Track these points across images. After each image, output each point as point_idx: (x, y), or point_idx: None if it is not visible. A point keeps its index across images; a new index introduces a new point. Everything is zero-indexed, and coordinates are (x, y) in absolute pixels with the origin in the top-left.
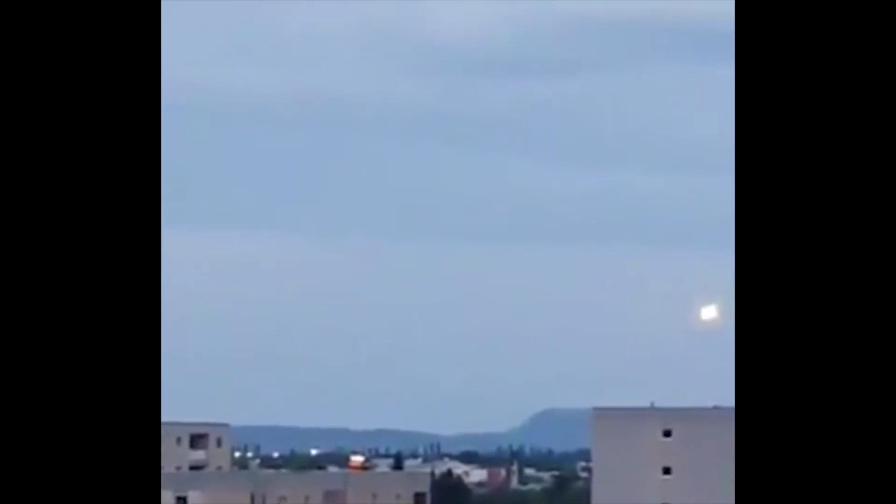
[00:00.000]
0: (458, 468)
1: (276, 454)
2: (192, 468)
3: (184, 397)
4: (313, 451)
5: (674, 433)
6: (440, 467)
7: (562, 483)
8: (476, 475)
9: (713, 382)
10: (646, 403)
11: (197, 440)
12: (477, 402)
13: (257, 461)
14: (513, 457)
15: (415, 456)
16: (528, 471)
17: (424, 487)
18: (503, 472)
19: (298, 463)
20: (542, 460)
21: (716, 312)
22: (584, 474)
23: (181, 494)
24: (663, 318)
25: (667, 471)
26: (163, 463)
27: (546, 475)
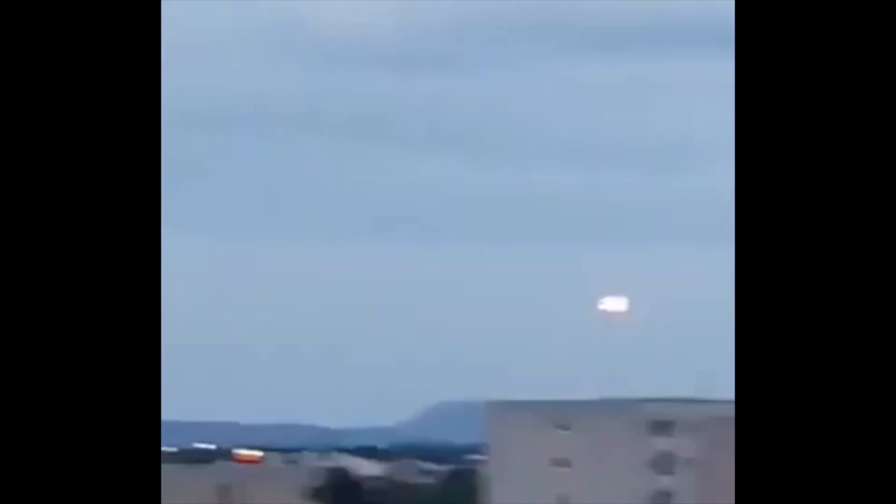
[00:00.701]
0: (353, 462)
1: (167, 449)
2: None
3: None
4: (206, 446)
5: (568, 425)
6: (334, 461)
7: (457, 476)
8: (371, 469)
9: (609, 375)
10: (541, 397)
11: None
12: (371, 396)
13: None
14: (408, 450)
15: (309, 450)
16: (424, 464)
17: (319, 481)
18: (398, 465)
19: (191, 457)
20: (437, 453)
21: (617, 305)
22: (479, 467)
23: None
24: (562, 313)
25: (562, 463)
26: None
27: (441, 468)
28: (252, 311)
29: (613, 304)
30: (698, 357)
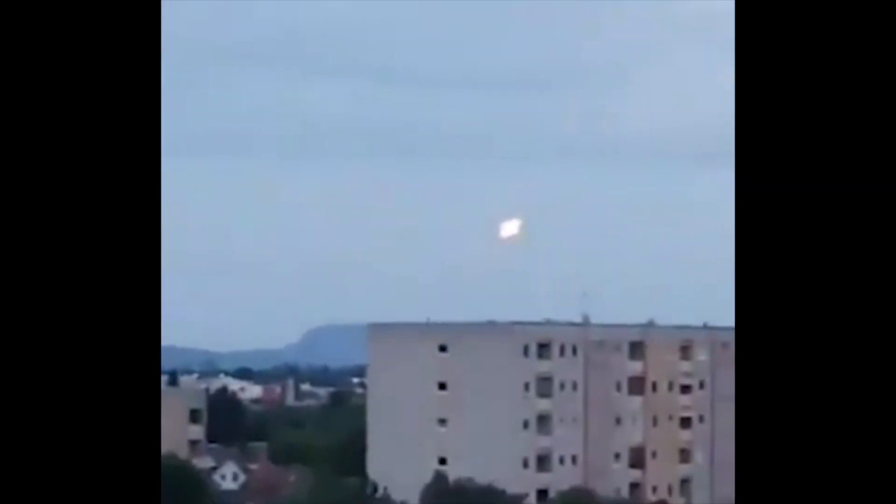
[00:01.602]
0: (234, 384)
1: None
2: None
3: None
4: None
5: (449, 348)
6: (215, 384)
7: (338, 399)
8: (251, 391)
9: (493, 298)
10: (422, 319)
11: None
12: (252, 318)
13: None
14: (288, 373)
15: (190, 372)
16: (304, 387)
17: (200, 404)
18: (279, 388)
19: None
20: (318, 376)
21: (510, 228)
22: (360, 390)
23: None
24: (451, 234)
25: (442, 386)
26: None
27: (322, 391)
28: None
29: (507, 226)
30: (582, 279)
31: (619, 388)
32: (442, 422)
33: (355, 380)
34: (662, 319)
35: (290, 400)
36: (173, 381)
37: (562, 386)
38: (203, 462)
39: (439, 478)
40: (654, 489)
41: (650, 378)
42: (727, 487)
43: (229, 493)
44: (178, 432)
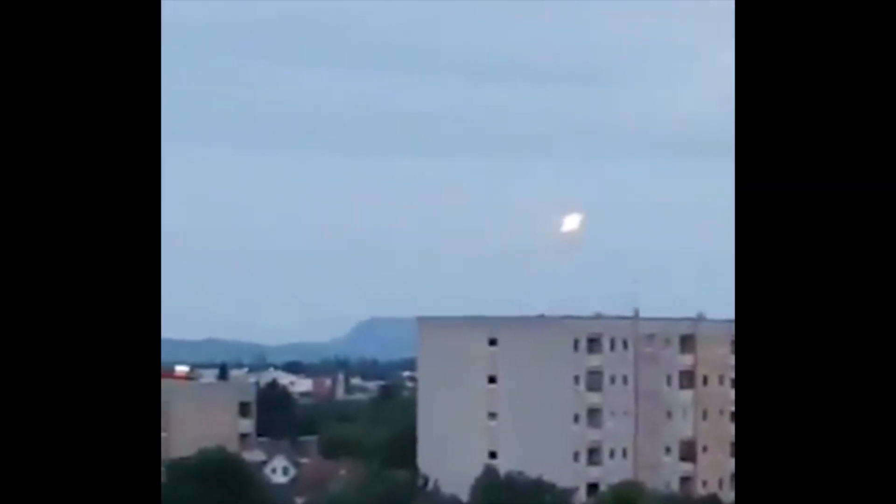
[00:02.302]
0: (284, 378)
1: None
2: None
3: None
4: None
5: (499, 342)
6: (265, 377)
7: (388, 392)
8: (301, 385)
9: (545, 292)
10: (472, 313)
11: None
12: (301, 312)
13: None
14: (338, 367)
15: (240, 366)
16: (354, 380)
17: (250, 398)
18: (328, 381)
19: None
20: (368, 370)
21: (576, 223)
22: (409, 384)
23: None
24: (507, 229)
25: (492, 380)
26: None
27: (372, 385)
28: (191, 224)
29: (568, 220)
30: (634, 272)
31: (669, 381)
32: (492, 415)
33: (405, 373)
34: (713, 313)
35: (340, 393)
36: (223, 375)
37: (612, 380)
38: (253, 455)
39: (489, 471)
40: (705, 483)
41: (700, 371)
42: None
43: (279, 486)
44: (228, 426)
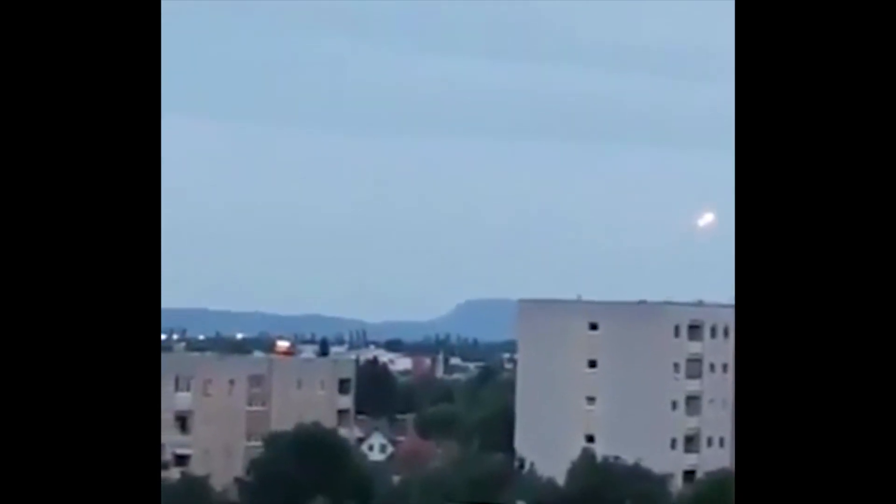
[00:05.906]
0: (384, 356)
1: (201, 337)
2: None
3: None
4: (239, 336)
5: (600, 326)
6: (365, 355)
7: (487, 373)
8: (401, 363)
9: (644, 278)
10: (573, 296)
11: None
12: (403, 290)
13: (183, 344)
14: (438, 346)
15: (340, 342)
16: (454, 360)
17: (349, 374)
18: (428, 361)
19: (224, 347)
20: (468, 350)
21: (711, 218)
22: (509, 366)
23: None
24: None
25: (592, 364)
26: None
27: (471, 365)
28: (290, 204)
29: (706, 216)
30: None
31: None
32: (591, 399)
33: (505, 355)
34: None
35: (440, 373)
36: (324, 351)
37: (712, 367)
38: (351, 432)
39: (586, 455)
40: None
41: None
42: None
43: (376, 464)
44: (326, 402)
